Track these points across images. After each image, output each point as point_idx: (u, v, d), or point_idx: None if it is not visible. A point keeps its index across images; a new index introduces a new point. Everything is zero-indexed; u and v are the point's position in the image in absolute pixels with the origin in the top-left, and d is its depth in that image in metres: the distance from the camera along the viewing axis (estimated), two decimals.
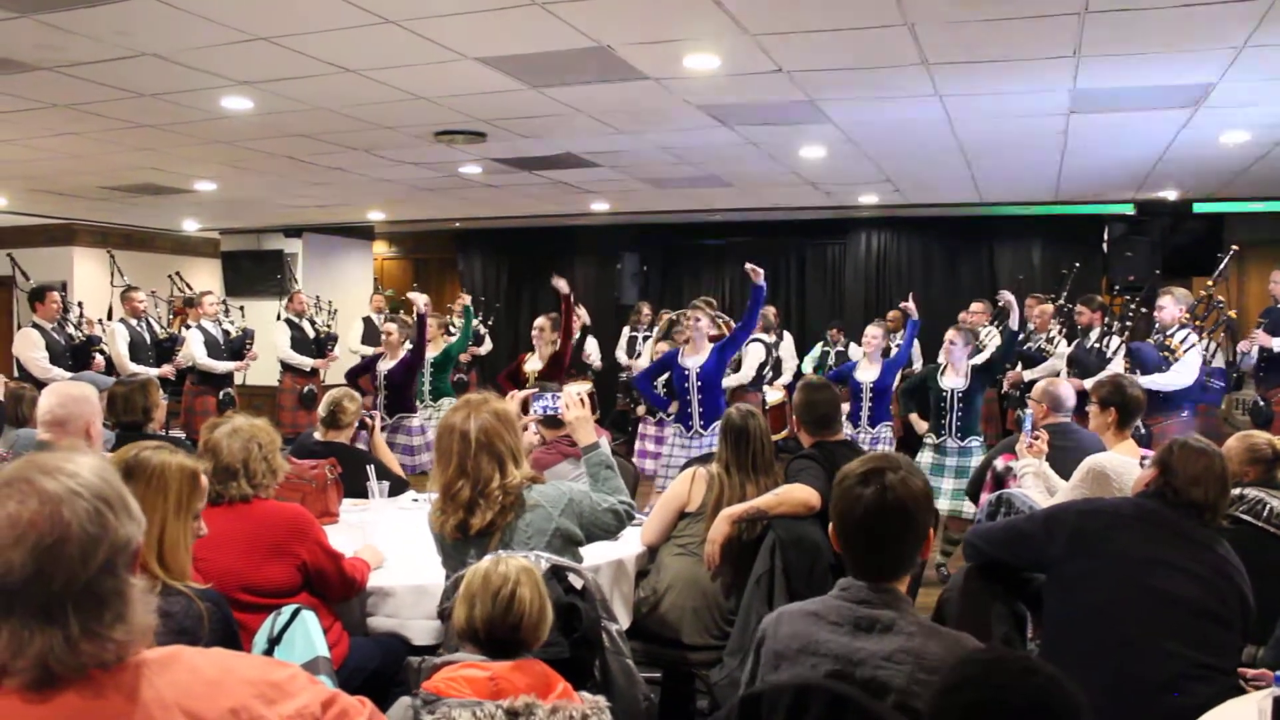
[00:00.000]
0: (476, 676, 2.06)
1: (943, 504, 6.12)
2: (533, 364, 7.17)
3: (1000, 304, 6.83)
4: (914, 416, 6.70)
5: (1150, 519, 2.63)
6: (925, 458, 6.33)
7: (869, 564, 2.05)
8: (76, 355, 7.58)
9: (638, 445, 7.15)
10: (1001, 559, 2.88)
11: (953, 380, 6.31)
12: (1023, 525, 2.89)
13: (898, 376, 7.10)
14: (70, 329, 7.76)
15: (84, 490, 1.21)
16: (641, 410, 7.76)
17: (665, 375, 6.66)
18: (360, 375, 7.61)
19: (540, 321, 7.24)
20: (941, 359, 6.47)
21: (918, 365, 9.28)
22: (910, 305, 7.05)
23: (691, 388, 6.21)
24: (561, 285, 6.95)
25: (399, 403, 7.19)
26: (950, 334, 6.44)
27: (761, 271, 6.00)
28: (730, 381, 7.77)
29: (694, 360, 6.27)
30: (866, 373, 6.91)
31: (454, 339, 8.13)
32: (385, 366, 7.23)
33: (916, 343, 9.57)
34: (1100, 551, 2.59)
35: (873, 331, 7.05)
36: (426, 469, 6.83)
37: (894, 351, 8.83)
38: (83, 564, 1.19)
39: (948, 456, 6.25)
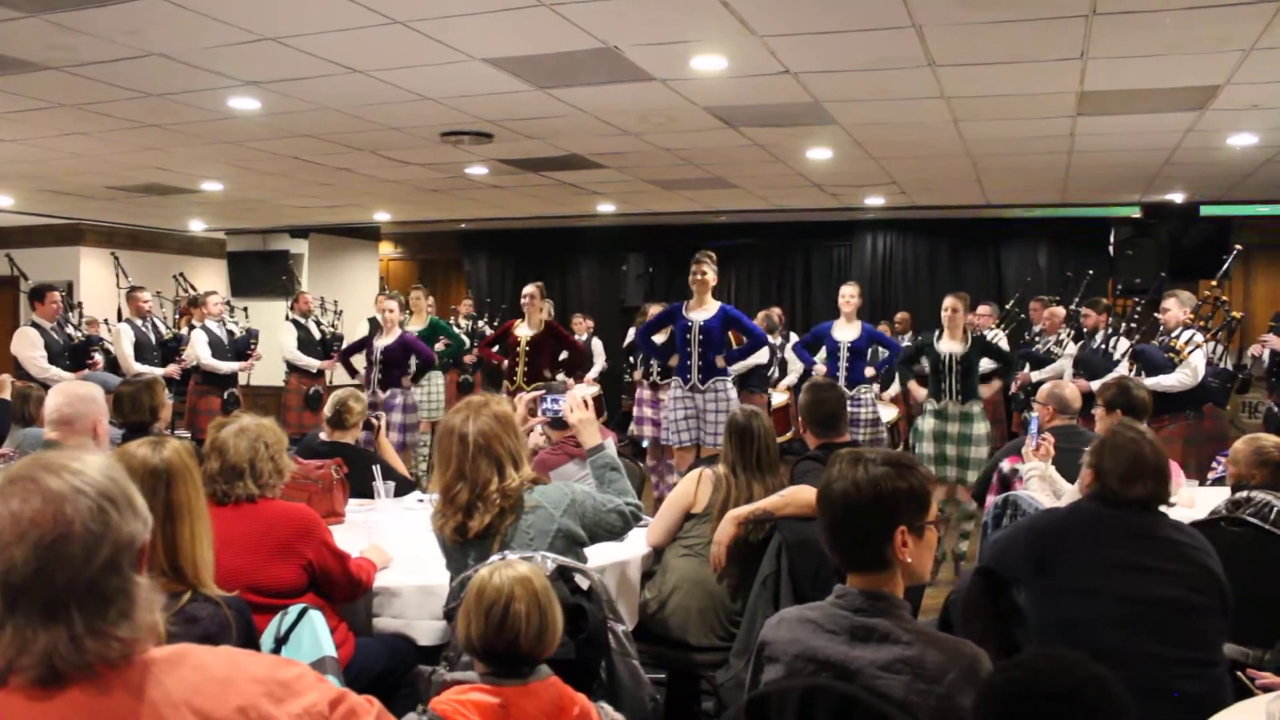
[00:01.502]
0: (486, 702, 2.02)
1: (950, 471, 6.18)
2: (523, 330, 7.27)
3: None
4: (913, 384, 6.72)
5: (1100, 524, 2.58)
6: (927, 424, 6.33)
7: (839, 551, 2.03)
8: (75, 355, 7.49)
9: (635, 413, 7.15)
10: (994, 565, 2.85)
11: (950, 345, 6.31)
12: (1005, 537, 2.86)
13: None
14: (70, 329, 7.70)
15: (87, 488, 1.21)
16: (639, 375, 7.79)
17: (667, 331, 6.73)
18: (354, 354, 7.94)
19: (529, 289, 7.35)
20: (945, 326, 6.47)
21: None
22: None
23: (693, 340, 6.24)
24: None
25: (393, 379, 7.52)
26: (949, 300, 6.44)
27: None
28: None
29: (699, 314, 6.30)
30: (844, 332, 6.87)
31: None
32: (382, 343, 7.53)
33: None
34: (1061, 566, 2.55)
35: (848, 291, 7.02)
36: (416, 446, 7.27)
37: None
38: (85, 561, 1.18)
39: (949, 422, 6.25)
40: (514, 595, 2.11)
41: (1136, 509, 2.57)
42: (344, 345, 9.62)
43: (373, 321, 10.36)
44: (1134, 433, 2.67)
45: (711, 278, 6.36)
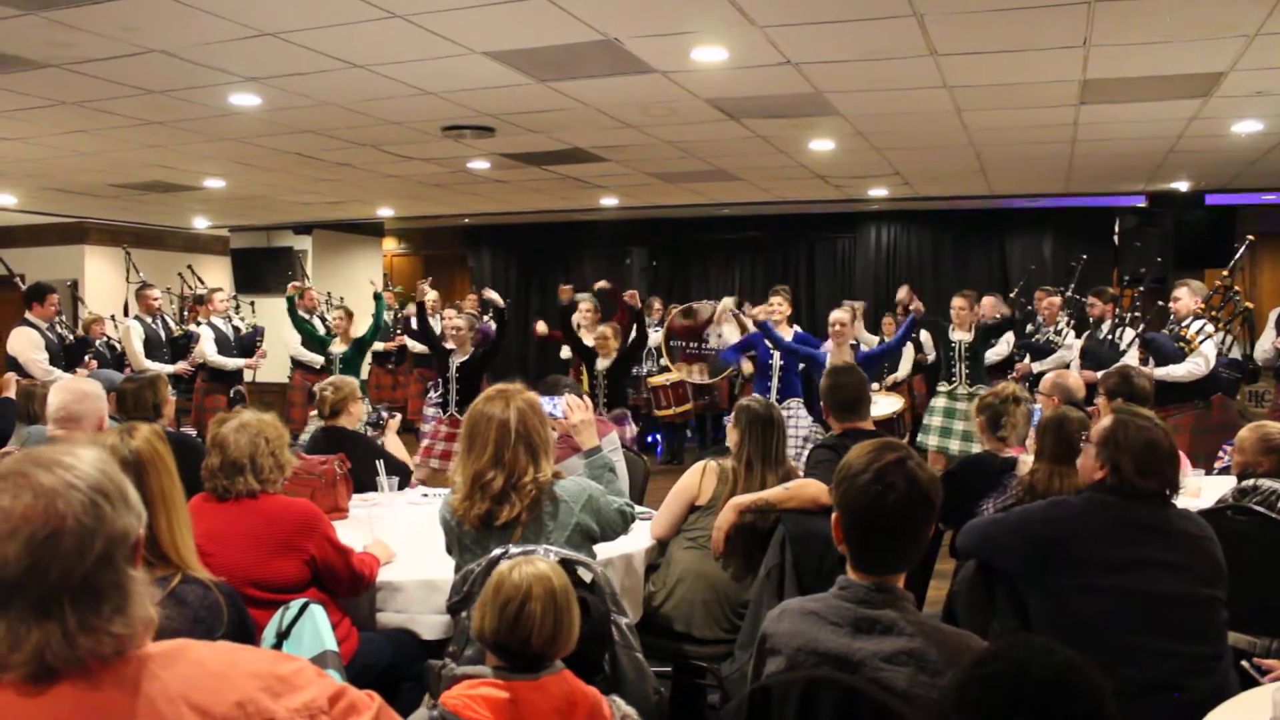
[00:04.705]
0: (496, 697, 2.02)
1: (953, 445, 6.87)
2: (601, 363, 7.48)
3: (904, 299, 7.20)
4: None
5: (1113, 518, 2.48)
6: (939, 402, 7.09)
7: (881, 558, 2.00)
8: (69, 355, 7.38)
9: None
10: (982, 557, 2.76)
11: (960, 335, 7.11)
12: (993, 530, 2.76)
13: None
14: (60, 329, 7.54)
15: (79, 482, 1.20)
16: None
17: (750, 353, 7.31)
18: (415, 337, 8.19)
19: (585, 306, 7.95)
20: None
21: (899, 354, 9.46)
22: (906, 294, 6.99)
23: (774, 364, 6.81)
24: (604, 285, 7.85)
25: (471, 391, 7.45)
26: (957, 300, 7.24)
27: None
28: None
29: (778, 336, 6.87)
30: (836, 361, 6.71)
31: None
32: (456, 360, 7.43)
33: (927, 334, 9.45)
34: (1075, 563, 2.45)
35: (838, 316, 6.77)
36: None
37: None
38: (79, 557, 1.17)
39: (959, 402, 6.96)
40: (530, 593, 2.09)
41: (1151, 500, 2.48)
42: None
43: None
44: (1145, 420, 2.56)
45: (786, 309, 6.95)
